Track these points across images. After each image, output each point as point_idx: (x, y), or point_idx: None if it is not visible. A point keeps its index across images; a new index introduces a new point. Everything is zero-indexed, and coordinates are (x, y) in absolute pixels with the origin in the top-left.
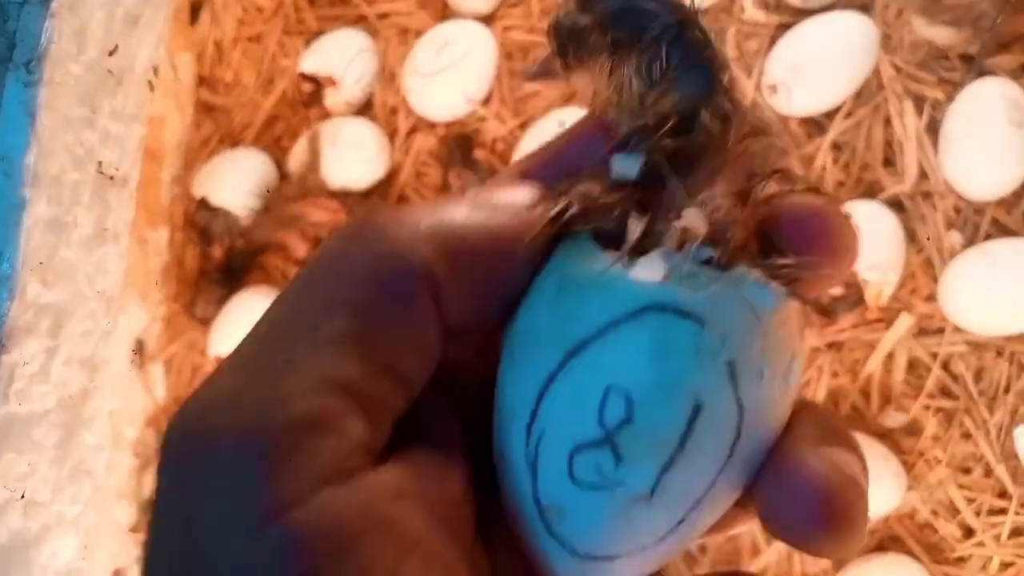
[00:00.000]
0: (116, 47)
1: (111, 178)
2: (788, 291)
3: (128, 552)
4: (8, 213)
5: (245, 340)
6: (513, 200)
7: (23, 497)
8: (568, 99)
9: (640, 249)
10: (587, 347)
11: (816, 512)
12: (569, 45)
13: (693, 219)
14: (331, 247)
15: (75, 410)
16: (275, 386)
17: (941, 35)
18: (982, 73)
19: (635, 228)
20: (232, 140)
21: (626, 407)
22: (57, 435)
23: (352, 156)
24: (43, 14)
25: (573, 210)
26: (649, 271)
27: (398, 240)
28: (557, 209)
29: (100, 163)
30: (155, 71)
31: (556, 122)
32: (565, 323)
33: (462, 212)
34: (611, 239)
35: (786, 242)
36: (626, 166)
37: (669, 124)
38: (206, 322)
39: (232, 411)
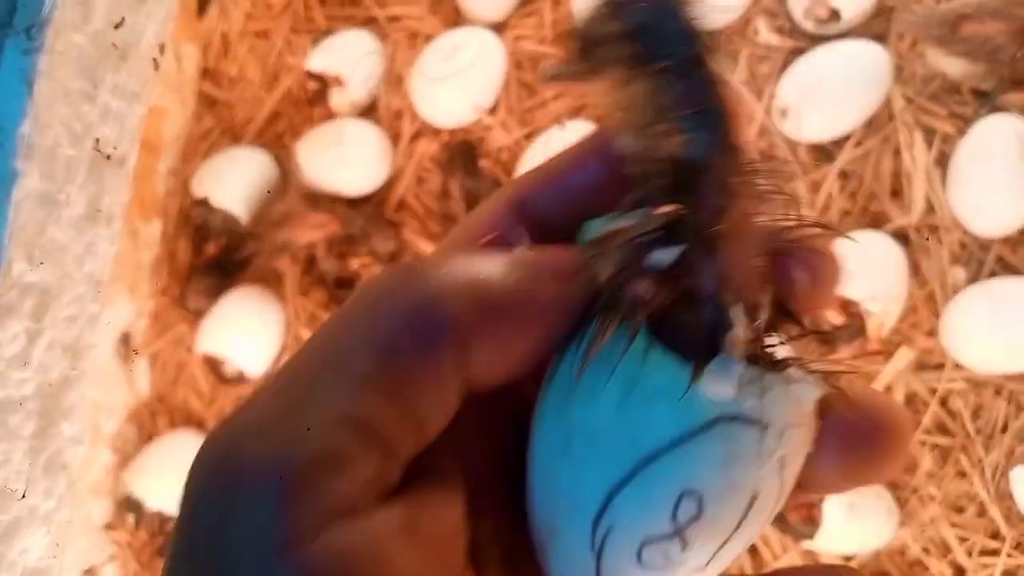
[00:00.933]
0: (123, 20)
1: (108, 157)
2: (824, 383)
3: (100, 550)
4: None
5: (281, 369)
6: (554, 266)
7: None
8: (577, 111)
9: (696, 340)
10: (660, 457)
11: (874, 428)
12: (589, 49)
13: (740, 320)
14: (370, 289)
15: (54, 399)
16: (299, 419)
17: (955, 67)
18: (995, 109)
19: (699, 344)
20: (233, 135)
21: (697, 506)
22: (34, 424)
23: (354, 158)
24: None
25: (618, 315)
26: (720, 387)
27: (435, 289)
28: (602, 306)
29: (98, 140)
30: (161, 49)
31: (557, 126)
32: (635, 432)
33: (502, 271)
34: (662, 325)
35: (780, 272)
36: (662, 257)
37: (672, 172)
38: (199, 314)
39: (259, 440)
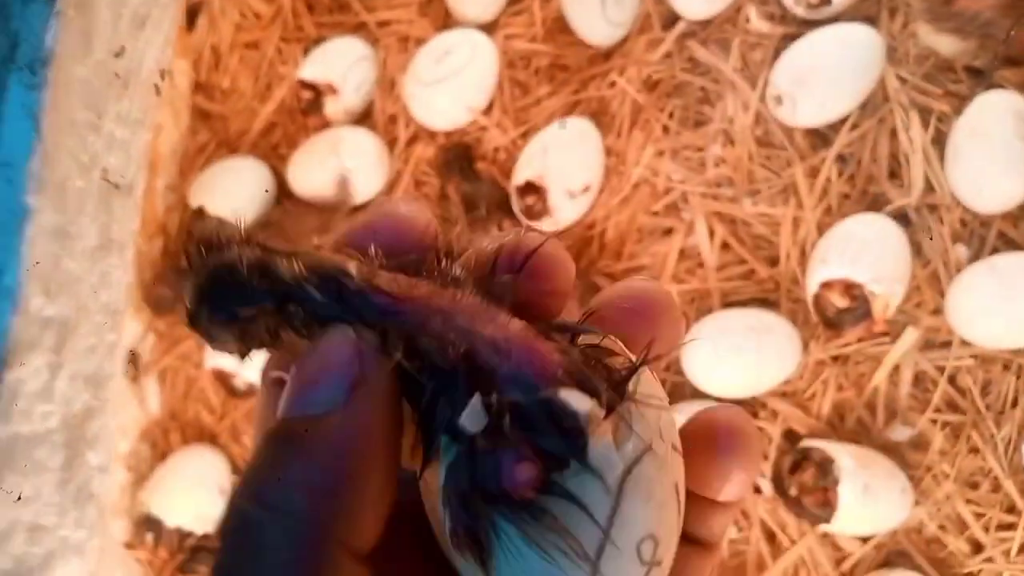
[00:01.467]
0: (123, 49)
1: (116, 186)
2: (641, 360)
3: (131, 571)
4: (11, 221)
5: None
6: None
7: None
8: (572, 107)
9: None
10: (605, 548)
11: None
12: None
13: (575, 400)
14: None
15: (79, 429)
16: None
17: (946, 45)
18: (991, 86)
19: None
20: (229, 147)
21: (653, 542)
22: (61, 456)
23: (351, 165)
24: (47, 13)
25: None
26: (612, 460)
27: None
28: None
29: (105, 170)
30: (161, 75)
31: (558, 125)
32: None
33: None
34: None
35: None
36: (473, 422)
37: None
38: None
39: None
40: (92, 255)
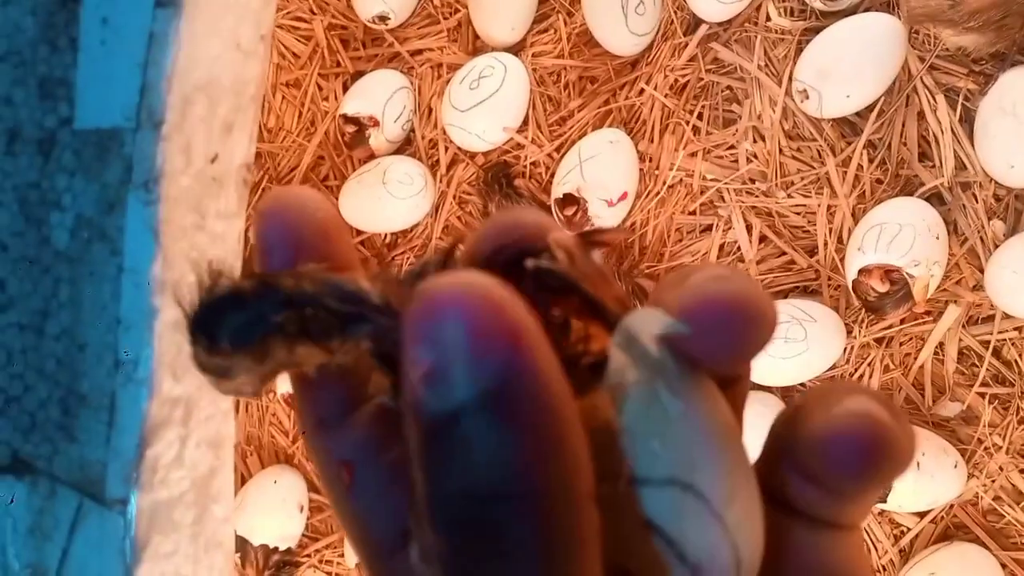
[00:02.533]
0: (216, 155)
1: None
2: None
3: None
4: (141, 321)
5: None
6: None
7: None
8: (604, 117)
9: None
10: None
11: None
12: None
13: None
14: None
15: (205, 488)
16: None
17: (971, 41)
18: (1014, 64)
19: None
20: (281, 183)
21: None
22: (193, 514)
23: (402, 192)
24: (155, 136)
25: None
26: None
27: None
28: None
29: (211, 262)
30: (248, 168)
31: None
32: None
33: None
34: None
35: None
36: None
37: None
38: None
39: None
40: None
